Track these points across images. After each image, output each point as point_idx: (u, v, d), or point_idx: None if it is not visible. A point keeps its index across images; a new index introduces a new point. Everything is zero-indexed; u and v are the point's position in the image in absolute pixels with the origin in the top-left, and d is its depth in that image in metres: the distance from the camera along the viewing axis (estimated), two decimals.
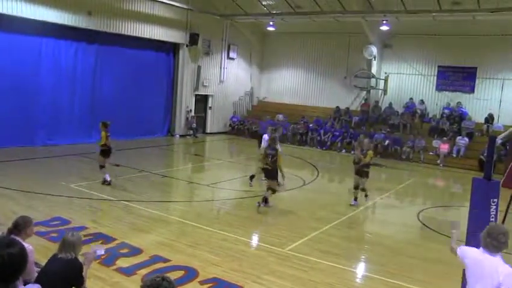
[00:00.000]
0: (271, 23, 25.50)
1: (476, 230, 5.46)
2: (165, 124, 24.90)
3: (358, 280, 7.79)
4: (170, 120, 25.08)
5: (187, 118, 25.11)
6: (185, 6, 23.04)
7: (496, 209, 5.73)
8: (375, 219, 12.24)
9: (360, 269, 8.30)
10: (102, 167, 13.01)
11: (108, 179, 12.91)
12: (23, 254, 3.01)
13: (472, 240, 5.91)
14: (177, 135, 24.69)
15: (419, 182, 17.91)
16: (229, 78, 27.77)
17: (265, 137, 14.72)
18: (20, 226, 5.26)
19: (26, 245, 4.98)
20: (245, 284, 7.00)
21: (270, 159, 11.42)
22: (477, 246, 4.39)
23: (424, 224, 11.32)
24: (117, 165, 14.33)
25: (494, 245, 4.19)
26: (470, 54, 22.72)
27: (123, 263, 7.48)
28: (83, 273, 4.95)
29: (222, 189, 13.85)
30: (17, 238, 5.05)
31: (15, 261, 2.93)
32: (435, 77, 24.14)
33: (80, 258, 5.03)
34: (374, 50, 24.28)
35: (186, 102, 24.99)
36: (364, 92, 25.83)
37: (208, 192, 13.56)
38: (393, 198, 14.59)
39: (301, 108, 27.65)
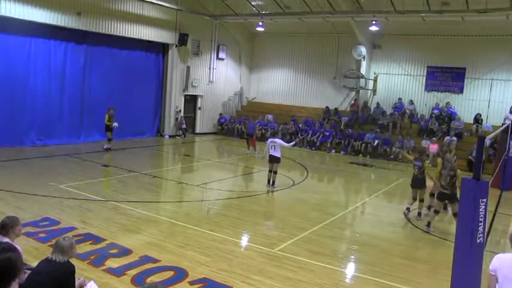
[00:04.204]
0: (260, 23, 25.51)
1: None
2: (155, 124, 24.83)
3: (347, 280, 7.80)
4: (159, 121, 25.01)
5: (176, 118, 25.06)
6: (174, 7, 22.99)
7: (485, 209, 5.76)
8: (364, 219, 12.27)
9: (350, 269, 8.30)
10: None
11: None
12: (19, 257, 3.13)
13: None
14: (167, 136, 24.62)
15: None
16: (219, 78, 27.75)
17: (278, 140, 14.22)
18: (7, 226, 5.28)
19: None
20: (234, 284, 6.98)
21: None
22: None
23: (413, 224, 11.37)
24: (106, 166, 14.25)
25: None
26: (459, 54, 22.87)
27: (112, 263, 7.43)
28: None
29: (211, 190, 13.82)
30: (5, 238, 5.04)
31: (14, 265, 3.03)
32: (424, 78, 24.21)
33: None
34: (363, 50, 24.33)
35: (175, 102, 24.93)
36: (354, 93, 25.90)
37: (197, 193, 13.52)
38: (382, 198, 14.63)
39: (291, 108, 27.71)
